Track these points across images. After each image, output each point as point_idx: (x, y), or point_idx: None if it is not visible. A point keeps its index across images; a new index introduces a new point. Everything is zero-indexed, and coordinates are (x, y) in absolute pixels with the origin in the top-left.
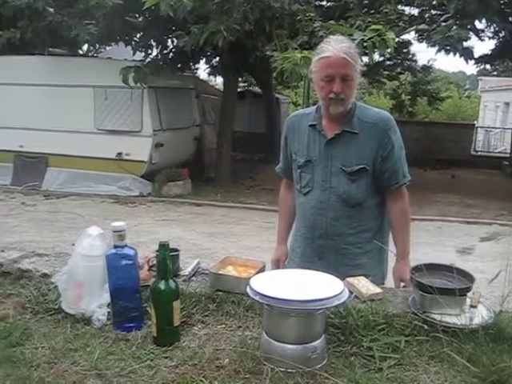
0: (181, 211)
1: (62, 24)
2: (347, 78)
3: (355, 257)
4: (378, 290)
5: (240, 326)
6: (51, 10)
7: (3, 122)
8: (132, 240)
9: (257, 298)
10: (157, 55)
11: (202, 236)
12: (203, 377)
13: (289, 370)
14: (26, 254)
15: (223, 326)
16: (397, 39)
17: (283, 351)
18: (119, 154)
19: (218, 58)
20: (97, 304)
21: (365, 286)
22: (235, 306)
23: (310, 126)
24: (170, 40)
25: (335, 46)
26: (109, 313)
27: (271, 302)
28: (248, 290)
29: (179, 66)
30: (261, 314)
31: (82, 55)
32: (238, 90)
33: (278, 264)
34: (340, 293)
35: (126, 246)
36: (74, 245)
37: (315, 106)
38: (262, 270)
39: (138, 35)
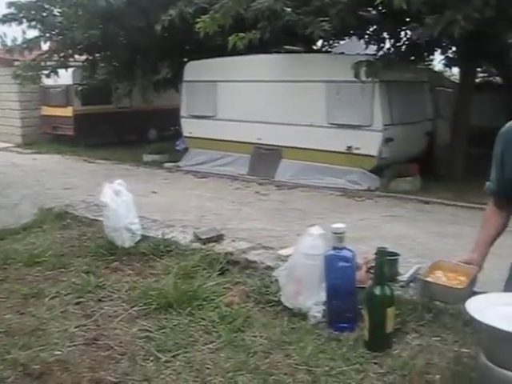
0: (408, 208)
1: (298, 22)
2: None
3: None
4: None
5: (456, 341)
6: (288, 9)
7: (244, 115)
8: (356, 234)
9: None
10: (389, 48)
11: (428, 235)
12: None
13: None
14: (253, 246)
15: (438, 338)
16: None
17: (504, 379)
18: (349, 147)
19: (454, 49)
20: (313, 301)
21: None
22: (453, 318)
23: None
24: (403, 32)
25: None
26: (324, 311)
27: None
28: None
29: (412, 58)
30: (478, 332)
31: (315, 51)
32: (476, 81)
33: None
34: None
35: (344, 248)
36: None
37: None
38: (474, 277)
39: (371, 29)
